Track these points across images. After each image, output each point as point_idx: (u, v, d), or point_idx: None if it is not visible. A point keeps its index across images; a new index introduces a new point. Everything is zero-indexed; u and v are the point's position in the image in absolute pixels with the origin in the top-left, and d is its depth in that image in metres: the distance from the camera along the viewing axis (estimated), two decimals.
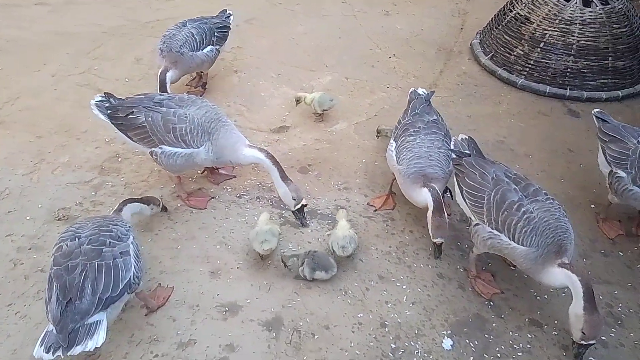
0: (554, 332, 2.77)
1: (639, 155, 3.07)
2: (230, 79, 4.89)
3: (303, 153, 4.03)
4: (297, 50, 5.35)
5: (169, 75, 4.09)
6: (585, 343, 2.47)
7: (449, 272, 3.11)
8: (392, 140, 3.46)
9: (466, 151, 3.15)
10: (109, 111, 3.27)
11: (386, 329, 2.77)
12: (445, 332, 2.76)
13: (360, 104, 4.59)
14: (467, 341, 2.71)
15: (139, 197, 3.23)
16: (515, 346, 2.70)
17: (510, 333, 2.76)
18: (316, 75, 4.95)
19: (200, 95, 4.43)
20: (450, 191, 3.29)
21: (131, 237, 2.68)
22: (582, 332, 2.44)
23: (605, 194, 3.60)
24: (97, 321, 2.37)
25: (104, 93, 3.40)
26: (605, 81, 4.59)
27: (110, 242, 2.55)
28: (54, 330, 2.31)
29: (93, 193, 3.61)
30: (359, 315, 2.84)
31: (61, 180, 3.71)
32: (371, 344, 2.71)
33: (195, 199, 3.56)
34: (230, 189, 3.70)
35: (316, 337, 2.74)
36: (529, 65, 4.69)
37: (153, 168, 3.83)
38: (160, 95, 3.42)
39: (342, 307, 2.89)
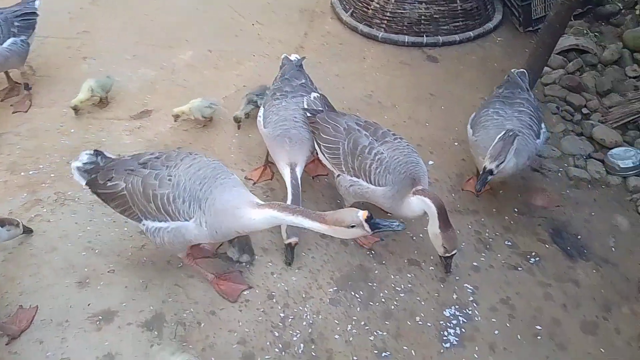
0: (431, 268, 2.92)
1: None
2: (79, 68, 4.41)
3: (171, 136, 3.78)
4: (153, 27, 4.96)
5: None
6: (449, 255, 2.71)
7: None
8: (261, 107, 3.41)
9: (319, 108, 3.17)
10: (89, 177, 2.68)
11: (274, 300, 2.74)
12: (331, 290, 2.79)
13: (227, 76, 4.39)
14: (353, 293, 2.77)
15: None
16: (397, 288, 2.81)
17: (392, 277, 2.87)
18: (176, 52, 4.64)
19: (29, 102, 3.96)
20: None
21: None
22: (444, 247, 2.66)
23: (466, 133, 3.85)
24: None
25: (94, 150, 2.80)
26: (457, 24, 4.83)
27: None
28: None
29: None
30: (245, 293, 2.76)
31: None
32: (260, 318, 2.65)
33: (228, 284, 2.79)
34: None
35: (202, 325, 2.63)
36: (387, 18, 4.79)
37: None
38: (150, 154, 2.68)
39: None
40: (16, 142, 3.69)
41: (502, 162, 2.74)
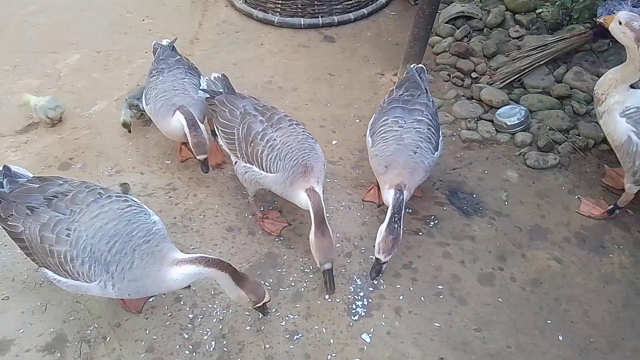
0: (337, 245, 2.96)
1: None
2: None
3: (60, 147, 3.57)
4: (33, 32, 4.63)
5: None
6: (325, 269, 2.59)
7: (237, 223, 3.11)
8: (143, 89, 3.44)
9: (219, 90, 3.11)
10: None
11: (181, 302, 2.69)
12: None
13: (118, 76, 4.19)
14: (262, 281, 2.77)
15: None
16: (306, 269, 2.85)
17: (300, 259, 2.90)
18: (61, 56, 4.36)
19: None
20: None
21: None
22: (316, 257, 2.59)
23: (367, 108, 3.94)
24: None
25: (2, 167, 2.45)
26: (351, 2, 4.88)
27: None
28: None
29: None
30: (150, 300, 2.69)
31: None
32: (167, 322, 2.60)
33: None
34: None
35: (108, 339, 2.54)
36: (280, 2, 4.75)
37: None
38: (59, 185, 2.36)
39: None
40: None
41: (392, 254, 2.58)
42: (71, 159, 3.49)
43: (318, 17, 4.77)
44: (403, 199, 2.63)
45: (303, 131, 2.85)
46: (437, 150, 2.92)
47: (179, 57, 3.46)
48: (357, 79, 4.24)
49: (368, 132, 3.06)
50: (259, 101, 3.00)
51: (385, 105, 3.09)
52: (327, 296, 2.71)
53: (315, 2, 4.76)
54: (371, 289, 2.75)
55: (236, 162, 2.94)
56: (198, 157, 3.05)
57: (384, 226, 2.58)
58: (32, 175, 2.56)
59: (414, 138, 2.80)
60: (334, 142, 3.67)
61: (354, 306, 2.67)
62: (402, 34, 4.70)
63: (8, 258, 2.89)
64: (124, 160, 3.50)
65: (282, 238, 3.02)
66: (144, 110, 3.42)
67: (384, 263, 2.60)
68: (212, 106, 3.00)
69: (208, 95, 3.07)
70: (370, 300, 2.70)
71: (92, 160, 3.49)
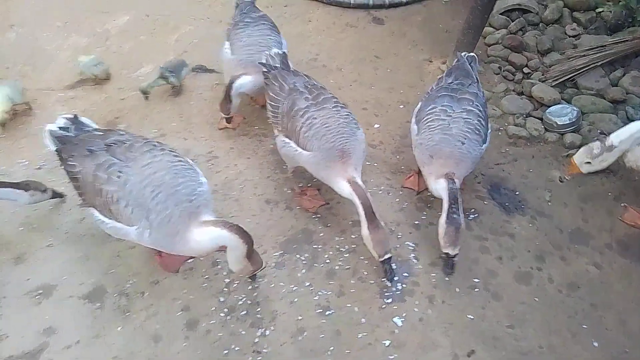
0: None
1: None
2: (6, 36, 4.13)
3: (107, 106, 3.63)
4: None
5: None
6: (382, 259, 2.57)
7: (275, 196, 3.12)
8: (225, 41, 3.52)
9: (276, 65, 3.12)
10: (59, 146, 2.47)
11: (218, 267, 2.73)
12: (276, 254, 2.81)
13: (165, 42, 4.22)
14: (297, 256, 2.79)
15: (14, 182, 2.63)
16: (341, 249, 2.85)
17: (336, 238, 2.90)
18: (110, 17, 4.41)
19: None
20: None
21: None
22: (375, 251, 2.55)
23: (412, 94, 3.88)
24: None
25: (73, 115, 2.56)
26: None
27: None
28: None
29: None
30: (189, 262, 2.74)
31: None
32: (204, 285, 2.65)
33: (170, 256, 2.65)
34: (26, 162, 3.22)
35: (146, 294, 2.60)
36: None
37: None
38: (119, 135, 2.44)
39: None
40: None
41: (458, 245, 2.55)
42: (117, 118, 3.55)
43: None
44: (457, 188, 2.59)
45: (347, 115, 2.79)
46: (485, 143, 2.86)
47: (262, 13, 3.62)
48: (404, 63, 4.17)
49: (413, 119, 3.01)
50: (310, 79, 2.99)
51: (433, 92, 3.03)
52: (360, 276, 2.71)
53: None
54: (406, 274, 2.75)
55: (277, 135, 2.95)
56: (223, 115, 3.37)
57: (443, 219, 2.55)
58: (95, 126, 2.64)
59: (462, 128, 2.74)
60: (375, 125, 3.63)
61: (387, 289, 2.67)
62: (453, 21, 4.59)
63: (54, 208, 2.98)
64: (167, 125, 3.55)
65: (318, 216, 3.03)
66: (173, 83, 3.64)
67: (454, 256, 2.58)
68: (266, 80, 3.01)
69: (264, 70, 3.08)
70: (404, 285, 2.69)
71: (136, 122, 3.54)
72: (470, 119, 2.79)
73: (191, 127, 3.55)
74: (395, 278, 2.67)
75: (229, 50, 3.42)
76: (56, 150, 2.50)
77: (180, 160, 2.39)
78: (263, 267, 2.42)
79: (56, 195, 2.91)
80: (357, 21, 4.58)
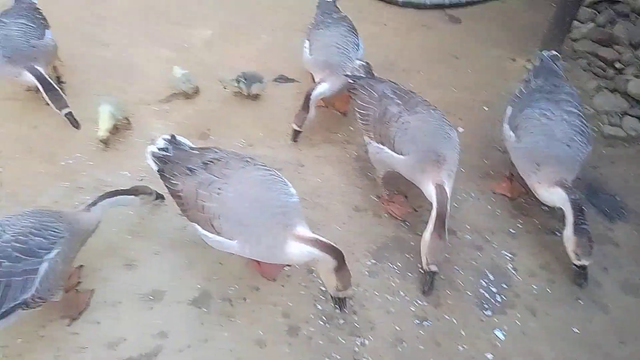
0: (467, 236, 2.94)
1: None
2: (103, 54, 4.43)
3: (199, 118, 3.82)
4: (168, 5, 4.93)
5: (40, 68, 3.46)
6: (427, 270, 2.58)
7: (363, 204, 3.16)
8: (305, 40, 3.66)
9: (361, 74, 3.17)
10: (161, 166, 2.66)
11: (313, 274, 2.81)
12: (368, 262, 2.85)
13: (247, 52, 4.37)
14: (390, 264, 2.82)
15: (125, 189, 2.90)
16: None
17: None
18: (194, 30, 4.62)
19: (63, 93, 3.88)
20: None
21: (54, 252, 2.40)
22: (425, 256, 2.56)
23: (495, 94, 3.78)
24: None
25: (170, 136, 2.77)
26: None
27: (16, 257, 2.30)
28: None
29: None
30: (285, 269, 2.85)
31: None
32: (302, 292, 2.74)
33: (268, 264, 2.75)
34: (128, 173, 3.46)
35: (247, 300, 2.73)
36: None
37: (39, 171, 3.49)
38: (214, 153, 2.59)
39: None
40: (50, 133, 3.77)
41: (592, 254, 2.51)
42: (209, 129, 3.73)
43: None
44: (578, 197, 2.51)
45: (441, 117, 2.80)
46: (590, 144, 2.74)
47: (343, 14, 3.71)
48: (485, 63, 4.07)
49: (506, 125, 2.94)
50: (398, 85, 3.01)
51: (524, 96, 2.94)
52: (456, 286, 2.70)
53: None
54: (504, 285, 2.70)
55: (369, 142, 2.98)
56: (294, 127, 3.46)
57: (570, 231, 2.49)
58: (190, 144, 2.81)
59: (567, 131, 2.66)
60: (460, 129, 3.58)
61: (485, 300, 2.64)
62: (535, 16, 4.42)
63: (157, 217, 3.18)
64: (254, 135, 3.68)
65: (408, 223, 3.04)
66: (241, 89, 3.80)
67: (587, 267, 2.53)
68: (354, 90, 3.05)
69: (351, 80, 3.14)
70: (504, 297, 2.65)
71: (226, 133, 3.70)
72: (573, 120, 2.70)
73: (276, 136, 3.66)
74: (429, 295, 2.64)
75: (308, 49, 3.55)
76: (158, 171, 2.69)
77: (271, 174, 2.50)
78: (349, 294, 2.36)
79: (159, 196, 3.12)
80: (434, 21, 4.51)
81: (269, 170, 2.53)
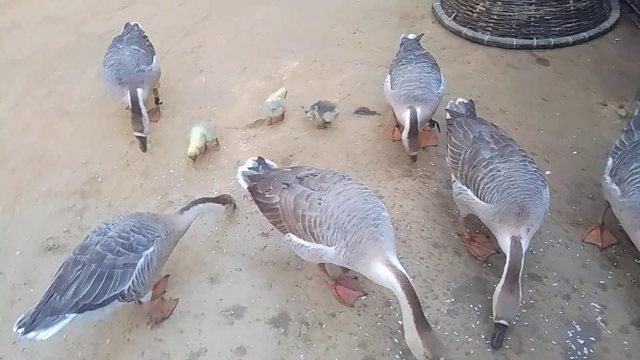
0: (554, 284, 2.82)
1: None
2: (198, 80, 4.80)
3: (282, 144, 4.00)
4: (259, 39, 5.26)
5: (139, 92, 3.85)
6: (497, 322, 2.50)
7: (443, 241, 3.14)
8: (387, 74, 3.79)
9: (461, 112, 3.21)
10: (251, 184, 2.87)
11: (391, 307, 2.81)
12: (448, 301, 2.81)
13: (331, 85, 4.55)
14: (471, 305, 2.76)
15: (213, 197, 3.21)
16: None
17: None
18: (282, 62, 4.89)
19: (159, 113, 4.36)
20: (437, 124, 3.60)
21: (151, 249, 2.64)
22: (497, 310, 2.49)
23: (586, 140, 3.67)
24: (63, 317, 2.42)
25: (258, 157, 3.07)
26: (570, 25, 4.60)
27: (118, 251, 2.55)
28: (32, 310, 2.43)
29: (79, 218, 3.56)
30: (362, 299, 2.87)
31: (44, 210, 3.65)
32: (378, 323, 2.74)
33: (345, 290, 2.88)
34: (216, 192, 3.67)
35: (324, 326, 2.77)
36: (493, 20, 4.68)
37: (134, 184, 3.79)
38: (307, 170, 2.78)
39: None
40: (150, 149, 4.09)
41: None
42: (291, 155, 3.89)
43: (532, 38, 4.58)
44: None
45: (535, 171, 2.72)
46: None
47: (425, 51, 3.80)
48: (574, 106, 3.97)
49: (608, 177, 2.80)
50: (498, 130, 2.99)
51: (628, 147, 2.82)
52: (540, 334, 2.59)
53: (531, 23, 4.58)
54: (592, 338, 2.56)
55: (454, 181, 2.99)
56: (411, 154, 3.52)
57: None
58: (277, 166, 3.00)
59: None
60: (547, 172, 3.49)
61: (572, 352, 2.51)
62: (628, 62, 4.28)
63: (240, 235, 3.33)
64: (335, 163, 3.79)
65: (490, 265, 2.98)
66: (312, 115, 3.99)
67: None
68: (450, 126, 3.09)
69: (449, 116, 3.20)
70: (592, 350, 2.51)
71: (307, 160, 3.84)
72: None
73: (357, 166, 3.74)
74: (497, 349, 2.55)
75: (390, 83, 3.66)
76: (249, 188, 2.89)
77: (365, 188, 2.64)
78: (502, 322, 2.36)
79: (235, 206, 3.38)
80: (520, 62, 4.49)
81: (362, 185, 2.67)
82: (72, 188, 3.80)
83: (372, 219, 2.47)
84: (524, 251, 2.53)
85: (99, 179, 3.86)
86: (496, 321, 2.52)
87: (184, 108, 4.42)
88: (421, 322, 2.27)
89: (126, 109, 4.21)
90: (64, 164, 4.00)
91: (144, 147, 3.90)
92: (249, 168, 3.01)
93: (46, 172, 3.94)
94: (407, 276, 2.36)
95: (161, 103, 4.46)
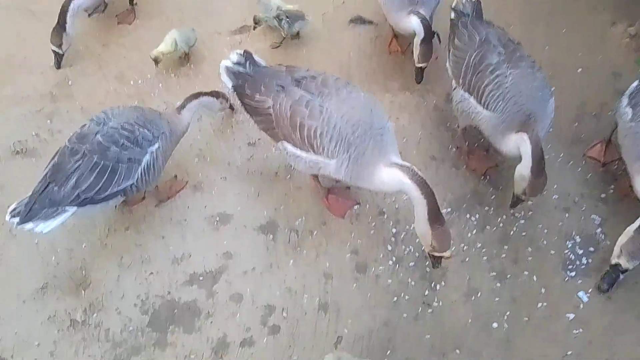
0: (554, 197, 2.74)
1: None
2: None
3: (270, 54, 3.70)
4: None
5: (75, 3, 3.40)
6: (524, 199, 2.44)
7: (440, 154, 3.00)
8: None
9: (467, 12, 2.92)
10: (237, 82, 2.55)
11: (385, 216, 2.70)
12: (444, 210, 2.69)
13: None
14: (468, 216, 2.68)
15: (206, 91, 2.88)
16: (516, 214, 2.68)
17: (510, 202, 2.71)
18: None
19: (134, 15, 3.91)
20: (437, 34, 3.16)
21: (156, 145, 2.46)
22: (524, 192, 2.39)
23: (591, 58, 3.49)
24: (63, 210, 2.29)
25: (244, 51, 2.66)
26: None
27: (123, 143, 2.36)
28: (26, 200, 2.29)
29: (49, 121, 3.30)
30: (354, 208, 2.74)
31: (10, 113, 3.36)
32: (371, 232, 2.64)
33: (337, 200, 2.73)
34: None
35: (315, 233, 2.66)
36: None
37: (108, 89, 3.49)
38: (306, 71, 2.47)
39: None
40: (121, 54, 3.74)
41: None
42: (279, 65, 3.60)
43: None
44: None
45: (543, 79, 2.53)
46: None
47: None
48: (582, 23, 3.74)
49: (625, 99, 2.61)
50: (506, 33, 2.75)
51: None
52: (538, 245, 2.52)
53: None
54: (592, 249, 2.52)
55: (455, 88, 2.78)
56: (419, 65, 3.12)
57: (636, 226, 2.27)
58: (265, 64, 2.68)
59: None
60: (551, 88, 3.32)
61: (570, 262, 2.47)
62: None
63: (225, 144, 3.12)
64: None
65: (488, 177, 2.86)
66: (283, 29, 3.51)
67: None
68: (453, 27, 2.83)
69: (454, 15, 2.91)
70: (590, 260, 2.47)
71: None
72: None
73: (351, 80, 3.47)
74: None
75: None
76: (234, 87, 2.57)
77: (370, 96, 2.41)
78: (446, 255, 2.20)
79: (231, 106, 3.08)
80: None
81: (365, 93, 2.42)
82: (40, 91, 3.48)
83: (377, 129, 2.27)
84: (539, 142, 2.34)
85: (69, 82, 3.54)
86: (524, 199, 2.44)
87: (164, 10, 4.03)
88: (435, 215, 2.14)
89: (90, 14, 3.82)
90: (31, 67, 3.65)
91: (58, 64, 3.54)
92: (234, 63, 2.62)
93: (12, 75, 3.60)
94: (416, 169, 2.19)
95: (136, 4, 4.05)
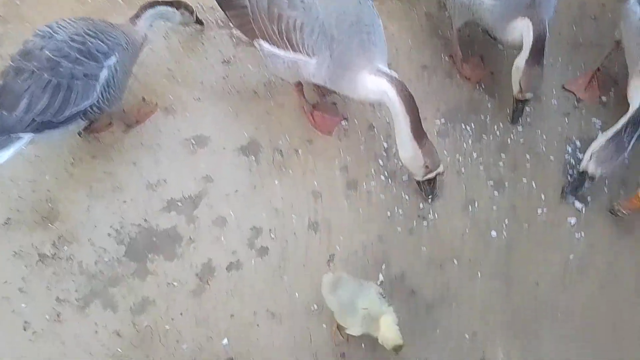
0: (553, 102, 2.58)
1: None
2: None
3: None
4: None
5: None
6: (521, 98, 2.28)
7: (433, 63, 2.78)
8: None
9: None
10: None
11: (375, 130, 2.51)
12: (438, 122, 2.53)
13: None
14: (463, 125, 2.51)
15: (165, 0, 2.52)
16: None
17: (507, 110, 2.55)
18: None
19: None
20: None
21: (113, 58, 2.16)
22: (520, 90, 2.23)
23: None
24: (17, 138, 2.04)
25: None
26: None
27: (75, 58, 2.06)
28: None
29: None
30: (342, 124, 2.54)
31: None
32: (361, 147, 2.46)
33: (322, 117, 2.50)
34: None
35: (300, 152, 2.46)
36: None
37: (64, 8, 3.10)
38: None
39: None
40: None
41: (607, 170, 2.12)
42: None
43: None
44: None
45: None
46: None
47: None
48: None
49: None
50: None
51: None
52: (537, 151, 2.38)
53: None
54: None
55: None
56: (520, 97, 2.43)
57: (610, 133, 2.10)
58: None
59: None
60: None
61: (570, 167, 2.34)
62: None
63: (196, 63, 2.83)
64: None
65: (483, 85, 2.67)
66: None
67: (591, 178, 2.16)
68: None
69: None
70: None
71: None
72: None
73: None
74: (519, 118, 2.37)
75: None
76: None
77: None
78: (440, 170, 2.06)
79: (199, 21, 2.76)
80: None
81: None
82: None
83: (365, 26, 2.00)
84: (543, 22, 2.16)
85: (18, 1, 3.14)
86: (520, 95, 2.27)
87: None
88: (419, 132, 1.99)
89: None
90: None
91: None
92: None
93: None
94: (402, 81, 1.99)
95: None
